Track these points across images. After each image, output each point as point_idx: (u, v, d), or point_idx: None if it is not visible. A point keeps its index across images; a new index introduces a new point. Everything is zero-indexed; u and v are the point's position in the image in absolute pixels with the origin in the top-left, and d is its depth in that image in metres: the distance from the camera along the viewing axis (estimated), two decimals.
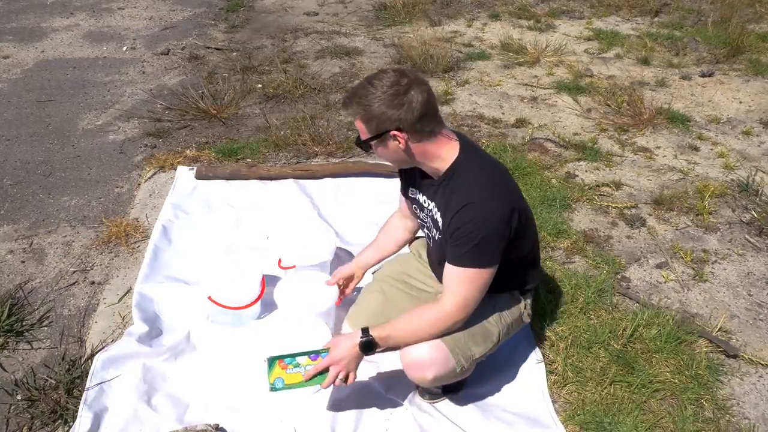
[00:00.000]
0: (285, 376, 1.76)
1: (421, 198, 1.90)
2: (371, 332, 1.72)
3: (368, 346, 1.72)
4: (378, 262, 2.22)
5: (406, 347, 1.78)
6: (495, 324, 1.91)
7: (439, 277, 1.89)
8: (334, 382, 1.73)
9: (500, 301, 1.93)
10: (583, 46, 5.27)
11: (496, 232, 1.68)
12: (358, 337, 1.72)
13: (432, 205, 1.83)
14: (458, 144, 1.76)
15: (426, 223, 1.91)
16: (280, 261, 2.46)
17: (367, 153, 1.70)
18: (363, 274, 2.21)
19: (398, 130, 1.65)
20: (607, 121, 3.96)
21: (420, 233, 2.09)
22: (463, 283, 1.72)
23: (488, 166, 1.81)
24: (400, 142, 1.68)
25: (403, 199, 2.08)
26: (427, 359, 1.76)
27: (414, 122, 1.65)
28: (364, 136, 1.71)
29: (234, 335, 2.25)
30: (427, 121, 1.68)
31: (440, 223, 1.79)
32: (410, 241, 2.23)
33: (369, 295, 2.16)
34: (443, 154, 1.74)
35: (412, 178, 1.93)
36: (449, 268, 1.74)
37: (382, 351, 1.78)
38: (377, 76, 1.66)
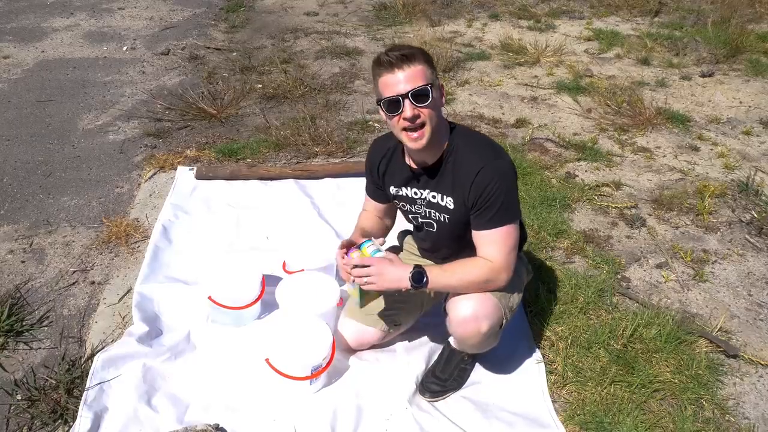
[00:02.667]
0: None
1: (410, 192, 1.92)
2: (425, 267, 1.78)
3: (419, 277, 1.76)
4: None
5: (458, 303, 1.82)
6: (519, 272, 1.96)
7: (440, 261, 1.97)
8: (352, 279, 1.82)
9: None
10: (583, 46, 5.27)
11: (513, 184, 1.79)
12: (410, 268, 1.77)
13: (426, 192, 1.87)
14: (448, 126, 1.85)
15: (420, 213, 1.93)
16: (284, 264, 2.47)
17: (424, 104, 1.68)
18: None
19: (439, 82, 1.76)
20: (607, 121, 3.96)
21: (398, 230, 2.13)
22: (500, 242, 1.78)
23: (476, 133, 1.92)
24: (443, 95, 1.78)
25: (375, 204, 2.10)
26: (482, 311, 1.81)
27: (441, 90, 1.78)
28: (427, 81, 1.69)
29: (234, 335, 2.25)
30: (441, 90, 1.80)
31: (450, 202, 1.82)
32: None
33: None
34: (443, 129, 1.80)
35: (392, 178, 1.96)
36: (483, 235, 1.79)
37: (428, 289, 1.80)
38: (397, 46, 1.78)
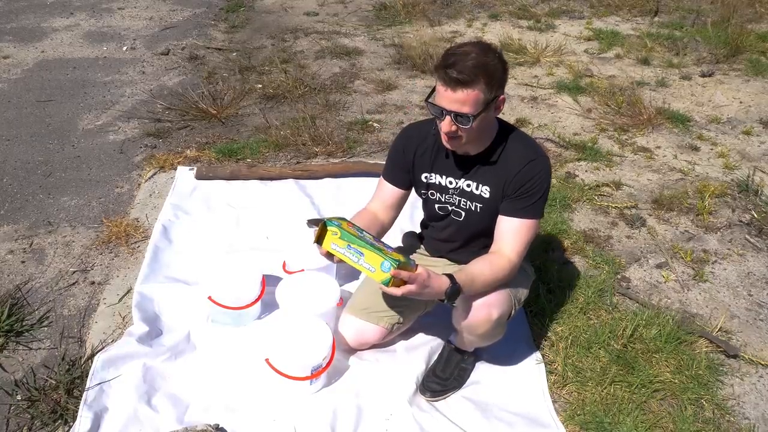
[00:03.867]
0: (340, 243, 1.69)
1: (444, 180, 1.93)
2: (457, 279, 1.71)
3: (455, 294, 1.71)
4: None
5: None
6: (526, 268, 2.05)
7: (452, 256, 2.06)
8: (396, 291, 1.67)
9: None
10: (583, 46, 5.27)
11: (550, 185, 1.85)
12: (447, 284, 1.69)
13: (462, 182, 1.89)
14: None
15: (451, 202, 1.94)
16: (284, 264, 2.47)
17: (464, 126, 1.67)
18: None
19: (503, 88, 1.71)
20: (607, 121, 3.96)
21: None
22: (523, 234, 1.82)
23: (524, 133, 1.94)
24: (500, 107, 1.75)
25: (390, 190, 2.02)
26: (493, 299, 1.84)
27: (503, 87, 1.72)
28: (475, 109, 1.64)
29: (234, 335, 2.25)
30: (503, 78, 1.73)
31: (486, 191, 1.85)
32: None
33: (369, 283, 2.17)
34: (490, 131, 1.83)
35: (426, 163, 1.94)
36: (509, 222, 1.82)
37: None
38: (466, 45, 1.69)
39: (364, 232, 1.75)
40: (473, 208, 1.91)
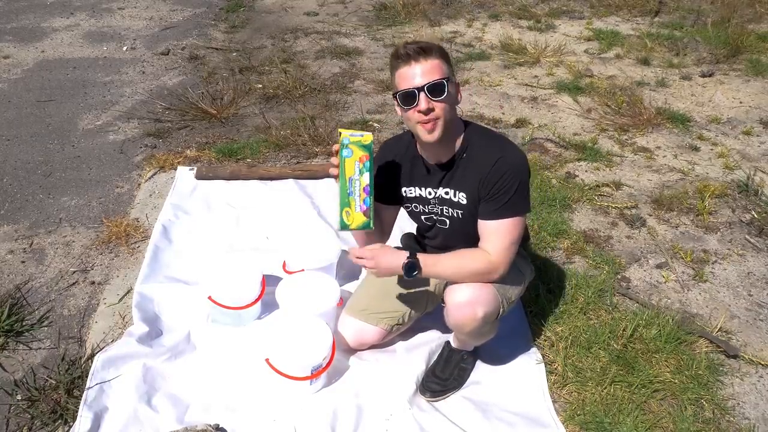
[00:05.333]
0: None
1: (423, 192, 1.92)
2: (418, 256, 1.80)
3: (411, 267, 1.79)
4: None
5: (455, 289, 1.84)
6: (521, 267, 2.01)
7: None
8: (354, 258, 1.85)
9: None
10: (583, 46, 5.27)
11: (527, 177, 1.82)
12: (405, 256, 1.80)
13: (440, 190, 1.88)
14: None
15: (434, 212, 1.94)
16: (284, 264, 2.47)
17: (439, 98, 1.70)
18: None
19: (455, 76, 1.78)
20: (607, 121, 3.96)
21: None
22: (504, 234, 1.80)
23: (490, 130, 1.94)
24: (459, 93, 1.80)
25: (380, 206, 1.97)
26: (478, 297, 1.82)
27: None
28: (443, 74, 1.71)
29: (234, 335, 2.25)
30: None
31: (463, 197, 1.85)
32: None
33: (369, 284, 2.18)
34: (458, 125, 1.83)
35: (404, 178, 1.94)
36: (488, 224, 1.81)
37: (422, 276, 1.84)
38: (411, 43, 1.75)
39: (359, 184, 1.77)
40: (456, 215, 1.91)
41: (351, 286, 2.43)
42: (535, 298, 2.42)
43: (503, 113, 4.05)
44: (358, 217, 1.77)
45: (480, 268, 1.81)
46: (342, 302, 2.23)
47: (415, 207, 1.98)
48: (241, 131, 3.76)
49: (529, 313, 2.37)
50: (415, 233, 2.24)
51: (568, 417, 2.00)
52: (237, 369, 2.11)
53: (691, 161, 3.54)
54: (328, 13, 6.02)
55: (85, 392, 1.96)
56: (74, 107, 4.04)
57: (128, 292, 2.45)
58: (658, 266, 2.71)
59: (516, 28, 5.63)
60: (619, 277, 2.63)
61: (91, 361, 2.08)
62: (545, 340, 2.28)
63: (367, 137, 1.74)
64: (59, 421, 1.93)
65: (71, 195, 3.13)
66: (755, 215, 3.02)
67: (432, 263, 1.83)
